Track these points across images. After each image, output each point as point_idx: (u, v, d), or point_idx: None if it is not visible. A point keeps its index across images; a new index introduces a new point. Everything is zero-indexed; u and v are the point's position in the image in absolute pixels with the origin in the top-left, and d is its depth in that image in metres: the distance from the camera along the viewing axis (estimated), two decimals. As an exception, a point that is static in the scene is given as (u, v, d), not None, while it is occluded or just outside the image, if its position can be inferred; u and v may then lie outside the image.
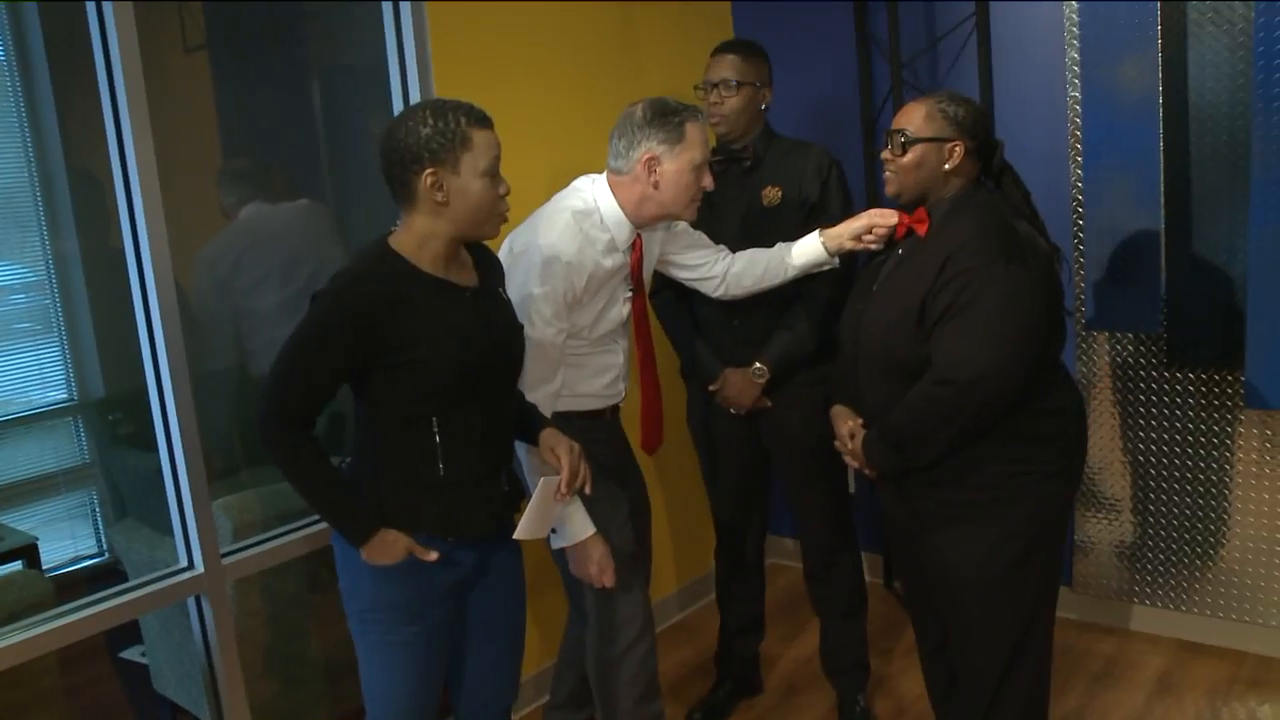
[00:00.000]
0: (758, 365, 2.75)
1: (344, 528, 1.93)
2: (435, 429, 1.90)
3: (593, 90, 3.23)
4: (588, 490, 2.11)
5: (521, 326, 2.10)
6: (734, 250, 2.67)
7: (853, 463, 2.33)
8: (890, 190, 2.27)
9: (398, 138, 1.85)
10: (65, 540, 3.67)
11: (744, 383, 2.77)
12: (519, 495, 2.10)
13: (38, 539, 3.77)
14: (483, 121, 1.87)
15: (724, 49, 2.76)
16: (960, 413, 2.07)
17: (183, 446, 2.35)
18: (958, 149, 2.19)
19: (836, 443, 2.38)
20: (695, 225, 2.62)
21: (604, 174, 2.40)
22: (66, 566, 3.78)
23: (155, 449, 3.09)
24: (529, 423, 2.14)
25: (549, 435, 2.10)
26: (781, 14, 3.62)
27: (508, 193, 1.92)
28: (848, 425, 2.33)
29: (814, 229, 2.60)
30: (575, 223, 2.29)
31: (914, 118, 2.22)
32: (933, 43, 3.36)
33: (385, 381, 1.87)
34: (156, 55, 3.77)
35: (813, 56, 3.59)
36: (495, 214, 1.91)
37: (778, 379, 2.77)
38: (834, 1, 3.50)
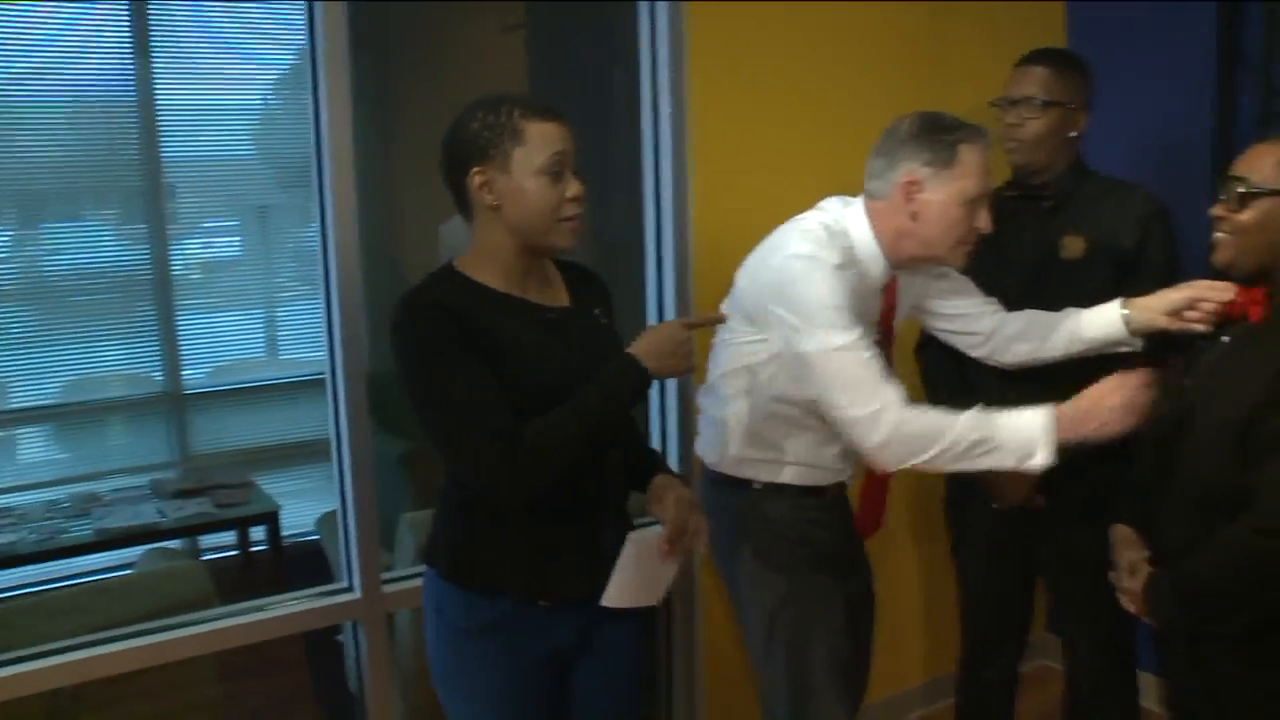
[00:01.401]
0: None
1: (622, 387, 1.63)
2: None
3: (884, 106, 2.76)
4: (700, 549, 1.73)
5: None
6: (1011, 308, 2.16)
7: (1130, 605, 1.82)
8: (1220, 257, 1.74)
9: (449, 136, 1.64)
10: (308, 512, 3.69)
11: (1014, 473, 2.25)
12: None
13: (280, 508, 3.84)
14: (543, 113, 1.61)
15: (1032, 59, 2.27)
16: None
17: (351, 449, 2.16)
18: None
19: (1113, 575, 1.87)
20: (970, 272, 2.12)
21: (859, 198, 1.98)
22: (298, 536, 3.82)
23: (398, 432, 3.00)
24: (643, 466, 1.80)
25: (660, 483, 1.77)
26: (1131, 13, 2.97)
27: (578, 195, 1.63)
28: (1130, 556, 1.83)
29: (1123, 295, 2.05)
30: (830, 238, 1.89)
31: (1264, 163, 1.68)
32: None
33: None
34: (471, 34, 3.74)
35: (1153, 74, 2.92)
36: (558, 219, 1.63)
37: (1056, 473, 2.22)
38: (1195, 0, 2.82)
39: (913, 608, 3.16)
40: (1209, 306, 1.86)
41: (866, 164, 1.96)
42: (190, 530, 3.72)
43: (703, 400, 2.10)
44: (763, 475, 2.00)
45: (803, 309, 1.82)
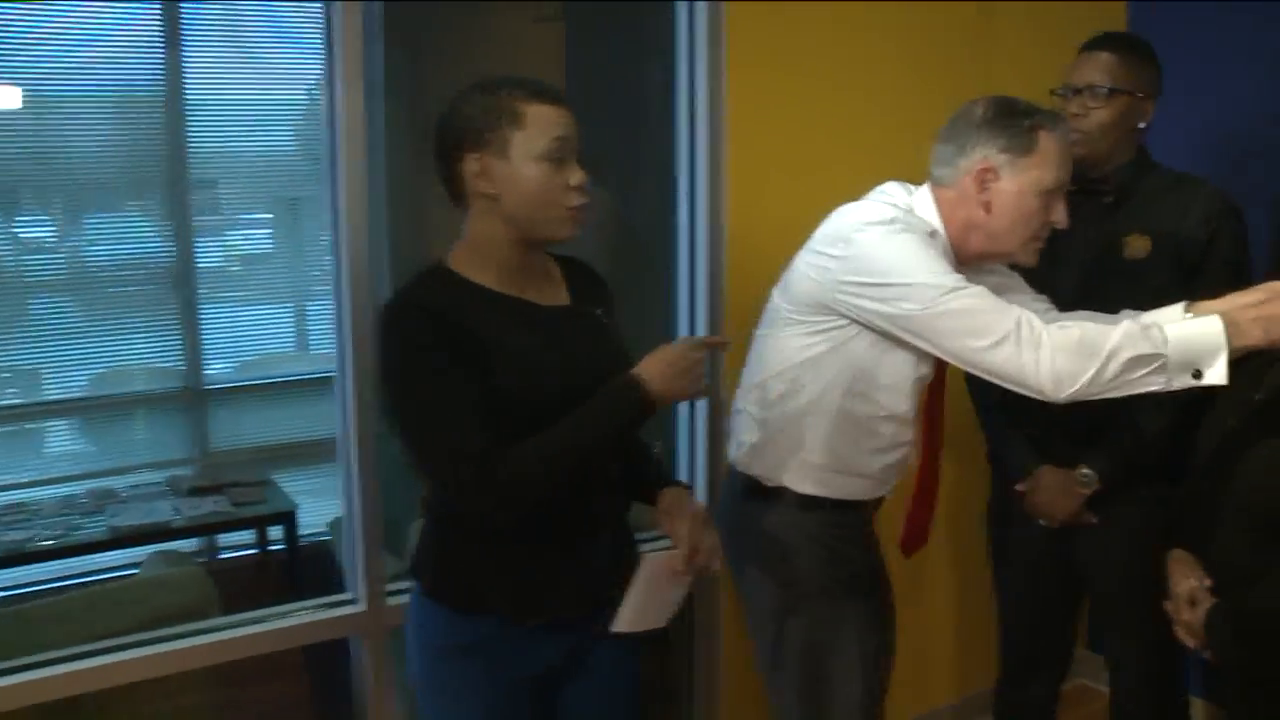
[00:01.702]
0: (1084, 470, 2.09)
1: (620, 412, 1.51)
2: None
3: (927, 106, 2.60)
4: (715, 567, 1.61)
5: (627, 357, 1.58)
6: (1065, 310, 1.99)
7: (1188, 640, 1.68)
8: None
9: (443, 121, 1.53)
10: (327, 511, 3.59)
11: (1062, 489, 2.10)
12: (632, 565, 1.60)
13: (297, 506, 3.74)
14: (543, 95, 1.50)
15: (1097, 44, 2.11)
16: None
17: (358, 453, 2.05)
18: None
19: (1168, 604, 1.72)
20: (1022, 271, 1.96)
21: (923, 186, 1.84)
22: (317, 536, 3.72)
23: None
24: (644, 476, 1.67)
25: (670, 497, 1.63)
26: (1193, 11, 2.80)
27: (581, 184, 1.52)
28: (1189, 585, 1.68)
29: (1187, 298, 1.88)
30: (900, 218, 1.75)
31: None
32: None
33: None
34: (504, 27, 3.63)
35: (1223, 62, 2.74)
36: (560, 208, 1.51)
37: (1108, 489, 2.07)
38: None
39: (943, 623, 3.01)
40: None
41: (933, 149, 1.83)
42: (203, 529, 3.63)
43: (742, 402, 1.94)
44: (803, 485, 1.85)
45: (896, 269, 1.68)
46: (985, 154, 1.75)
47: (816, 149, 2.50)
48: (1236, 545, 1.61)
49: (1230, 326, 1.56)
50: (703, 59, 2.33)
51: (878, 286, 1.69)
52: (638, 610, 1.58)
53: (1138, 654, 2.20)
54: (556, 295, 1.62)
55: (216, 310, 4.20)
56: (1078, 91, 2.08)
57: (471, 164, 1.49)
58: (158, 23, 3.83)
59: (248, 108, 3.95)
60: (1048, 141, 1.75)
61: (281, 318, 4.54)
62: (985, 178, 1.75)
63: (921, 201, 1.81)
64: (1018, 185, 1.75)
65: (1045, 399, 1.62)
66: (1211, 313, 1.68)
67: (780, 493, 1.86)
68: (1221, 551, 1.65)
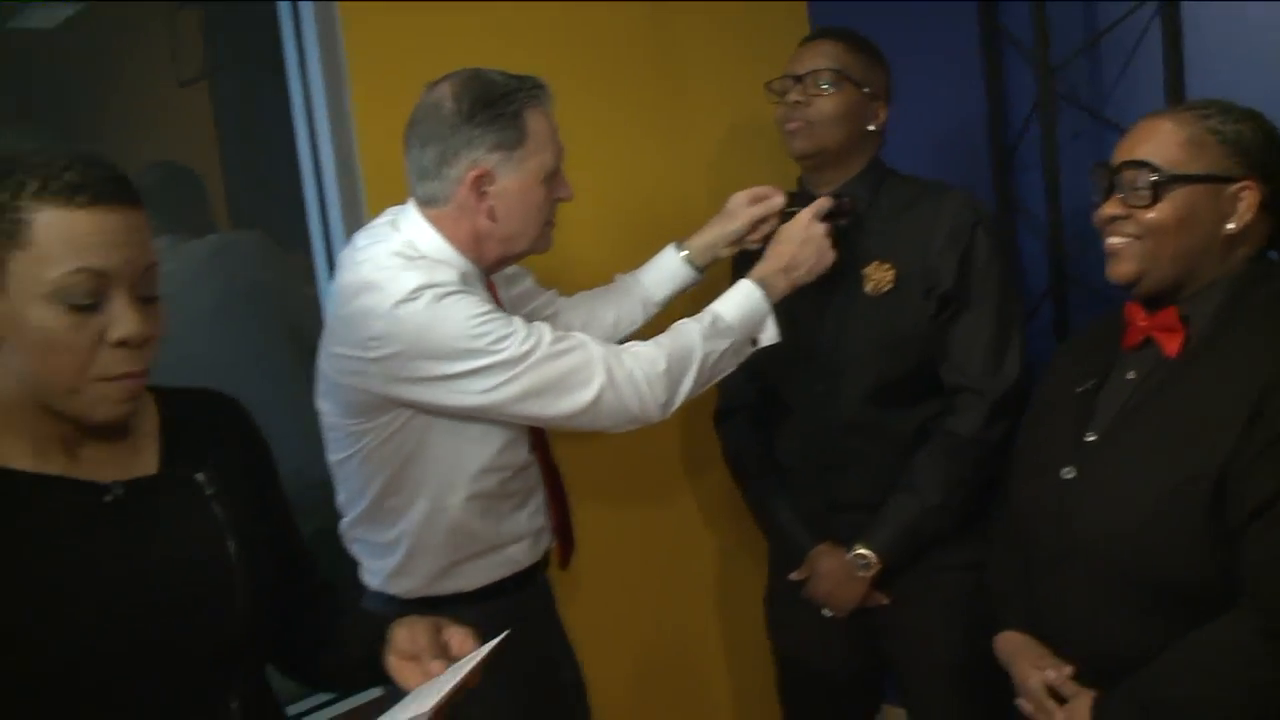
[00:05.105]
0: (860, 552, 1.81)
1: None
2: None
3: (599, 119, 2.30)
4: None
5: (249, 550, 1.15)
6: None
7: None
8: (1121, 270, 1.36)
9: None
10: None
11: (840, 575, 1.81)
12: None
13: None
14: (74, 192, 0.99)
15: (822, 34, 1.89)
16: None
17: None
18: (1248, 195, 1.30)
19: (1024, 703, 1.43)
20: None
21: (408, 205, 1.56)
22: None
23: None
24: (349, 641, 1.25)
25: (403, 631, 1.19)
26: (873, 12, 2.62)
27: (129, 338, 1.02)
28: (1047, 676, 1.40)
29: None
30: (413, 266, 1.48)
31: (1165, 143, 1.31)
32: (1094, 38, 2.35)
33: None
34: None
35: (920, 63, 2.57)
36: (87, 379, 1.03)
37: (894, 567, 1.80)
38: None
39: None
40: (768, 229, 1.81)
41: (407, 157, 1.54)
42: None
43: (357, 532, 1.63)
44: (475, 580, 1.62)
45: (451, 356, 1.45)
46: (474, 158, 1.52)
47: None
48: (1104, 616, 1.34)
49: (765, 288, 1.68)
50: (316, 64, 1.93)
51: (439, 381, 1.43)
52: None
53: None
54: (134, 462, 1.12)
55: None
56: (799, 79, 1.81)
57: None
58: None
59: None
60: (536, 121, 1.56)
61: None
62: (481, 183, 1.53)
63: (417, 229, 1.53)
64: (519, 182, 1.55)
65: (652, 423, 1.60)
66: (704, 249, 1.88)
67: (448, 599, 1.60)
68: (1083, 627, 1.37)
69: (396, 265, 1.48)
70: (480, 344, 1.45)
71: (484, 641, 1.13)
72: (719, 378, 1.65)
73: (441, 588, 1.61)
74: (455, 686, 1.06)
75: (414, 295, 1.44)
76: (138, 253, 1.03)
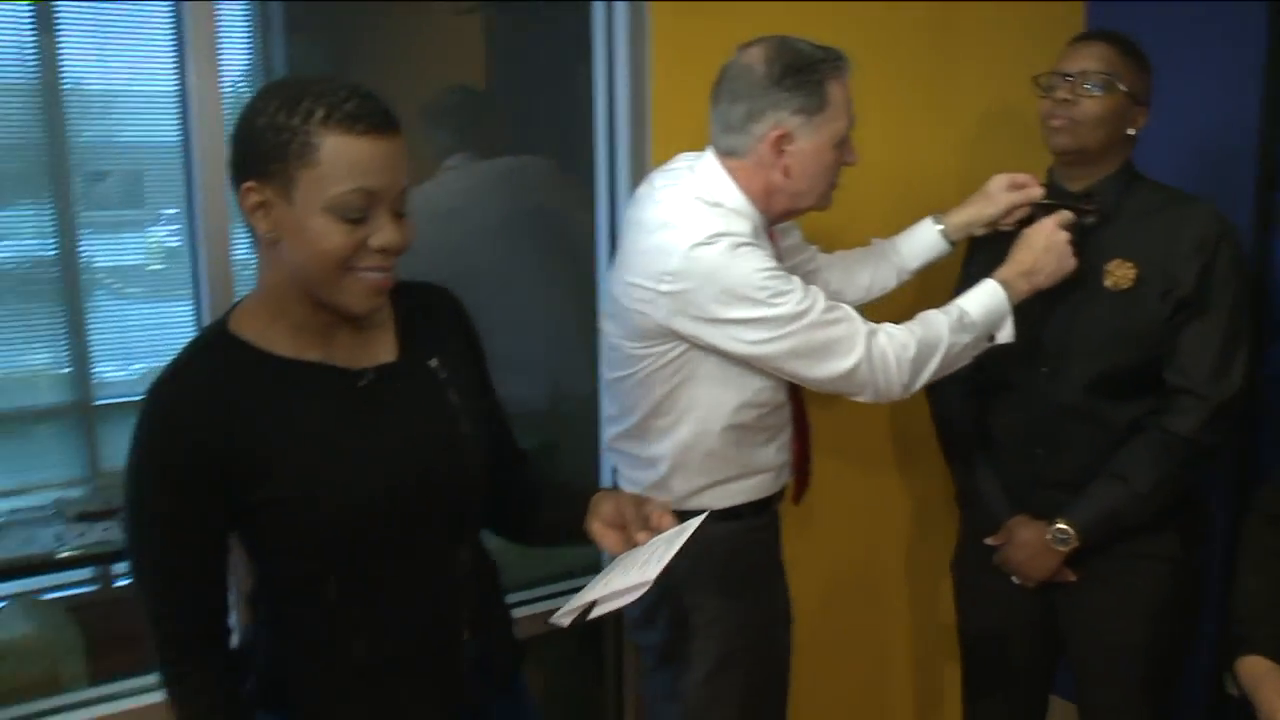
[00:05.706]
0: (1060, 526, 1.90)
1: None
2: (335, 595, 1.24)
3: (881, 110, 2.41)
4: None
5: (475, 427, 1.36)
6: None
7: None
8: None
9: (234, 128, 1.23)
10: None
11: (1037, 545, 1.92)
12: (508, 654, 1.46)
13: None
14: (354, 122, 1.15)
15: (1094, 35, 1.95)
16: None
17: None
18: None
19: None
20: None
21: (706, 153, 1.72)
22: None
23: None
24: (567, 508, 1.43)
25: (608, 503, 1.39)
26: (1152, 13, 2.61)
27: (389, 246, 1.20)
28: None
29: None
30: (712, 212, 1.65)
31: None
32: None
33: (249, 532, 1.27)
34: (421, 16, 3.36)
35: (1194, 66, 2.56)
36: (351, 276, 1.20)
37: (1088, 546, 1.89)
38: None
39: (903, 684, 2.81)
40: (1021, 214, 1.93)
41: (713, 112, 1.70)
42: (91, 560, 3.30)
43: (621, 445, 1.83)
44: (720, 501, 1.76)
45: (736, 302, 1.62)
46: (778, 118, 1.67)
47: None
48: None
49: (1008, 290, 1.79)
50: (623, 60, 2.12)
51: (718, 324, 1.60)
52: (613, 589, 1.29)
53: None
54: (378, 350, 1.31)
55: (107, 314, 3.86)
56: (1068, 77, 1.88)
57: (251, 194, 1.19)
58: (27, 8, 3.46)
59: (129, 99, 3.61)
60: (836, 90, 1.70)
61: (179, 321, 4.19)
62: (782, 143, 1.68)
63: (714, 176, 1.69)
64: (814, 144, 1.70)
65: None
66: (962, 226, 2.01)
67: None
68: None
69: (697, 209, 1.66)
70: (761, 295, 1.61)
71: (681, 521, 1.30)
72: (956, 368, 1.77)
73: (690, 504, 1.76)
74: (672, 558, 1.21)
75: (711, 240, 1.62)
76: (399, 176, 1.19)
